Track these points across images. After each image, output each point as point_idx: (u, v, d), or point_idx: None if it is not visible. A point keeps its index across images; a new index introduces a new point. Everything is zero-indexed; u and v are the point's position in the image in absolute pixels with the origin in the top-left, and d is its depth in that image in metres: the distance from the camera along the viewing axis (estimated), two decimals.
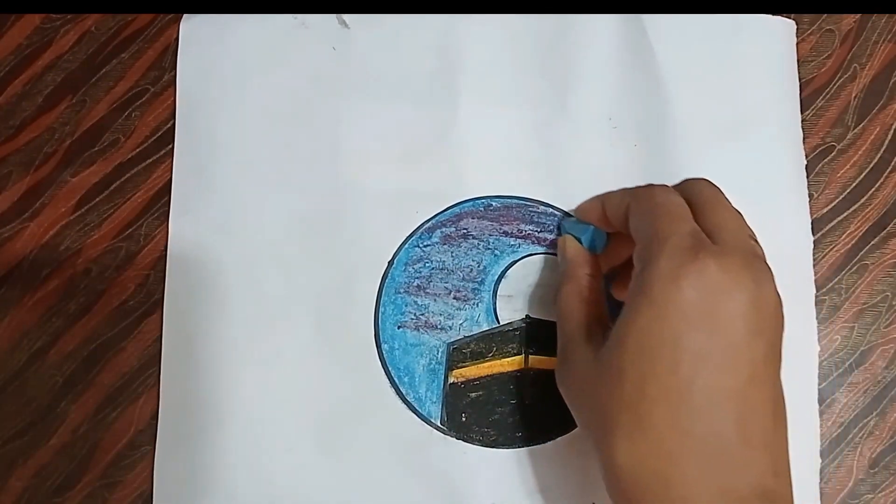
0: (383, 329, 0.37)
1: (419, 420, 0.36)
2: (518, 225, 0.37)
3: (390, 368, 0.36)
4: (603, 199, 0.34)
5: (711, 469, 0.26)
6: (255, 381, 0.36)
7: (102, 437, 0.36)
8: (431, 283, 0.37)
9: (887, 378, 0.37)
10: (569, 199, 0.37)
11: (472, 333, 0.37)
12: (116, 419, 0.36)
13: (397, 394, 0.36)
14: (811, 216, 0.38)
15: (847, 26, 0.40)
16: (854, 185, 0.39)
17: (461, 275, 0.37)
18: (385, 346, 0.36)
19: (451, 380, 0.36)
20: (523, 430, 0.36)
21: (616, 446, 0.27)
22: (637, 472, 0.27)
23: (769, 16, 0.39)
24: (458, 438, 0.36)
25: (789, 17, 0.40)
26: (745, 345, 0.27)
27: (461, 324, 0.37)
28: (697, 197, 0.31)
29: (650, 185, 0.32)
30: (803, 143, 0.39)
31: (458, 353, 0.37)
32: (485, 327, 0.37)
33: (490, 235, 0.38)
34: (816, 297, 0.38)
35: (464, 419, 0.36)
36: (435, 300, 0.37)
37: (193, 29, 0.39)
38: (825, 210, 0.39)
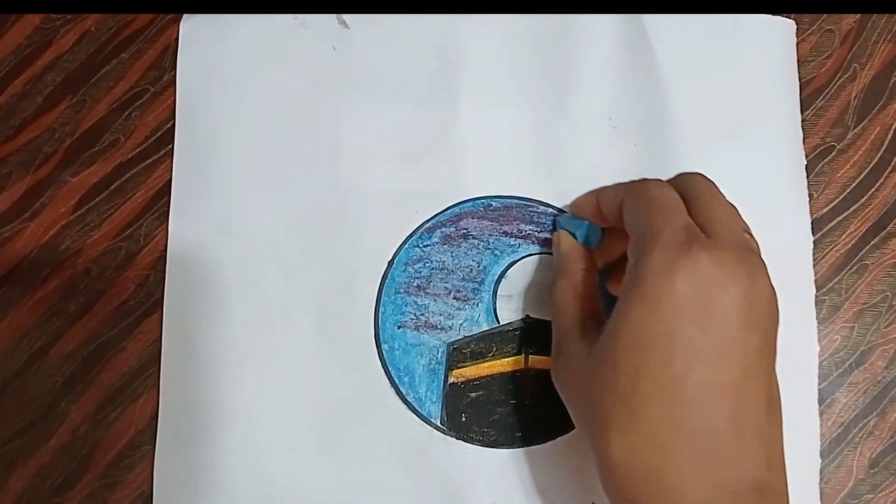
0: (383, 329, 0.37)
1: (419, 420, 0.36)
2: (518, 225, 0.37)
3: (390, 368, 0.36)
4: (597, 194, 0.34)
5: (705, 463, 0.26)
6: (255, 381, 0.36)
7: (102, 437, 0.36)
8: (431, 283, 0.37)
9: (887, 378, 0.37)
10: (569, 199, 0.37)
11: (472, 333, 0.37)
12: (116, 419, 0.36)
13: (397, 394, 0.36)
14: (811, 216, 0.38)
15: (847, 26, 0.40)
16: (854, 185, 0.39)
17: (461, 275, 0.37)
18: (385, 346, 0.36)
19: (451, 380, 0.36)
20: (523, 430, 0.36)
21: (610, 440, 0.27)
22: (631, 466, 0.27)
23: (769, 16, 0.39)
24: (458, 438, 0.36)
25: (789, 17, 0.40)
26: (738, 339, 0.27)
27: (461, 324, 0.37)
28: (692, 191, 0.30)
29: (644, 180, 0.32)
30: (803, 143, 0.39)
31: (458, 353, 0.37)
32: (485, 327, 0.37)
33: (490, 235, 0.38)
34: (816, 297, 0.38)
35: (464, 419, 0.36)
36: (435, 300, 0.37)
37: (193, 29, 0.39)
38: (825, 210, 0.39)
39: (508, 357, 0.37)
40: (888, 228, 0.39)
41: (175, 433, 0.36)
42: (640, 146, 0.38)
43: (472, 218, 0.38)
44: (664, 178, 0.33)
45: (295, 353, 0.36)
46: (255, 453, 0.35)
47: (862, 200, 0.39)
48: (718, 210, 0.30)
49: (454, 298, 0.37)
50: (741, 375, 0.27)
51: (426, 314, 0.37)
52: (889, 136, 0.39)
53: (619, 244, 0.34)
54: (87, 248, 0.37)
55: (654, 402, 0.27)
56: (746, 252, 0.28)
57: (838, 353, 0.37)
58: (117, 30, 0.39)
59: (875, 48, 0.40)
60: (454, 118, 0.38)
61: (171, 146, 0.38)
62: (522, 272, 0.37)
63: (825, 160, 0.39)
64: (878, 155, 0.39)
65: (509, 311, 0.37)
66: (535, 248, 0.37)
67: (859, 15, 0.40)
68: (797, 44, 0.40)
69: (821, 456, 0.36)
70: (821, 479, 0.36)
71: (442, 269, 0.37)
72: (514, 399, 0.36)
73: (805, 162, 0.39)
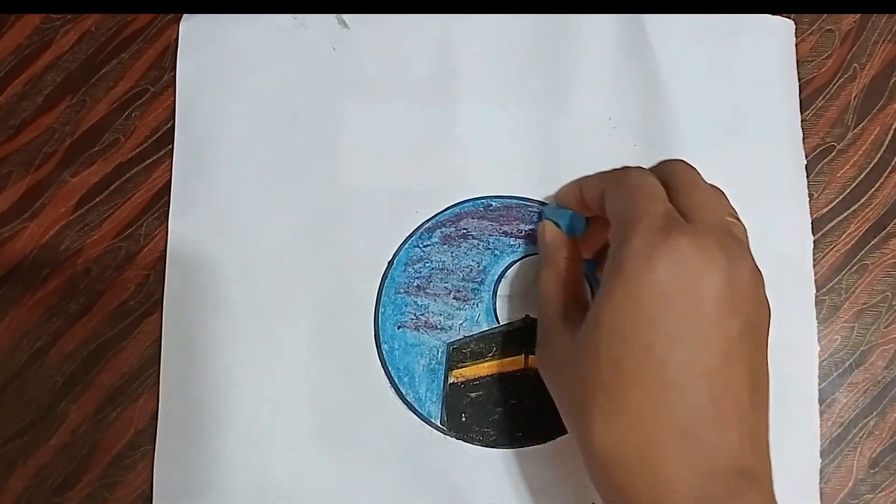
0: (383, 329, 0.37)
1: (419, 420, 0.36)
2: (518, 225, 0.37)
3: (390, 368, 0.36)
4: (580, 184, 0.34)
5: (688, 447, 0.26)
6: (255, 381, 0.36)
7: (102, 437, 0.36)
8: (431, 284, 0.37)
9: (887, 378, 0.37)
10: None
11: (472, 333, 0.37)
12: (116, 419, 0.36)
13: (397, 394, 0.36)
14: (811, 216, 0.38)
15: (847, 26, 0.40)
16: (854, 185, 0.39)
17: (461, 275, 0.37)
18: (385, 347, 0.36)
19: (450, 380, 0.36)
20: (523, 430, 0.36)
21: (593, 427, 0.27)
22: (615, 452, 0.27)
23: (768, 16, 0.39)
24: (457, 438, 0.36)
25: (789, 17, 0.40)
26: (719, 323, 0.27)
27: (461, 324, 0.37)
28: (672, 177, 0.30)
29: (625, 167, 0.32)
30: (803, 143, 0.39)
31: (458, 353, 0.37)
32: (485, 327, 0.37)
33: (490, 235, 0.38)
34: (816, 297, 0.38)
35: (464, 419, 0.36)
36: (435, 300, 0.37)
37: (193, 29, 0.39)
38: (825, 210, 0.39)
39: (508, 357, 0.37)
40: (888, 228, 0.39)
41: (175, 433, 0.36)
42: (640, 146, 0.38)
43: (472, 218, 0.38)
44: None
45: (295, 353, 0.36)
46: (254, 453, 0.35)
47: (862, 200, 0.39)
48: (699, 195, 0.30)
49: (454, 298, 0.37)
50: (722, 359, 0.27)
51: (426, 314, 0.37)
52: (889, 136, 0.39)
53: (606, 233, 0.34)
54: (87, 248, 0.38)
55: (636, 388, 0.27)
56: (727, 237, 0.28)
57: (838, 353, 0.37)
58: (117, 30, 0.39)
59: (875, 48, 0.40)
60: (454, 118, 0.38)
61: (170, 146, 0.38)
62: (522, 272, 0.37)
63: (825, 160, 0.39)
64: (878, 155, 0.39)
65: (509, 311, 0.37)
66: (534, 248, 0.37)
67: (859, 15, 0.40)
68: (797, 44, 0.40)
69: (821, 456, 0.36)
70: (821, 479, 0.36)
71: (442, 269, 0.37)
72: (514, 399, 0.36)
73: (805, 162, 0.39)
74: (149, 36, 0.39)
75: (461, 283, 0.37)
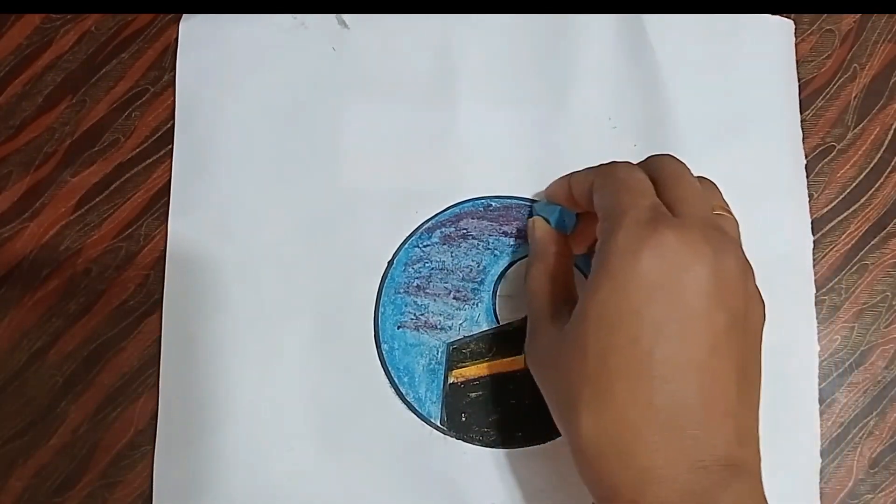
0: (383, 329, 0.37)
1: (419, 420, 0.36)
2: (518, 225, 0.37)
3: (390, 368, 0.36)
4: (569, 179, 0.34)
5: (675, 439, 0.26)
6: (254, 381, 0.36)
7: (102, 437, 0.36)
8: (431, 284, 0.37)
9: (887, 378, 0.37)
10: None
11: (471, 333, 0.37)
12: (116, 419, 0.36)
13: (397, 394, 0.36)
14: (811, 216, 0.38)
15: (847, 26, 0.40)
16: (854, 185, 0.39)
17: (461, 275, 0.37)
18: (385, 347, 0.36)
19: (450, 380, 0.36)
20: (523, 430, 0.36)
21: (580, 420, 0.27)
22: (602, 445, 0.27)
23: (767, 15, 0.39)
24: (457, 438, 0.36)
25: (789, 17, 0.40)
26: (705, 316, 0.27)
27: (461, 324, 0.37)
28: (659, 172, 0.31)
29: (613, 162, 0.32)
30: (803, 143, 0.39)
31: (458, 353, 0.37)
32: (485, 327, 0.37)
33: (490, 235, 0.38)
34: (816, 297, 0.38)
35: (464, 419, 0.36)
36: (435, 300, 0.37)
37: (193, 29, 0.39)
38: (825, 210, 0.39)
39: (508, 357, 0.37)
40: (888, 228, 0.39)
41: (174, 433, 0.36)
42: (640, 146, 0.38)
43: (472, 218, 0.38)
44: None
45: (295, 353, 0.36)
46: (254, 453, 0.35)
47: (862, 200, 0.39)
48: (685, 189, 0.30)
49: (454, 298, 0.37)
50: (708, 352, 0.27)
51: (426, 314, 0.37)
52: (889, 136, 0.39)
53: (595, 228, 0.34)
54: (87, 248, 0.38)
55: (622, 381, 0.27)
56: (713, 230, 0.28)
57: (838, 353, 0.37)
58: (117, 30, 0.39)
59: (875, 48, 0.40)
60: (454, 118, 0.38)
61: (170, 146, 0.38)
62: (522, 272, 0.37)
63: (825, 160, 0.39)
64: (878, 155, 0.39)
65: (509, 311, 0.37)
66: None
67: (859, 15, 0.40)
68: (797, 44, 0.40)
69: (821, 456, 0.36)
70: (821, 479, 0.36)
71: (442, 269, 0.37)
72: (514, 399, 0.36)
73: (805, 162, 0.39)
74: (149, 36, 0.39)
75: (461, 283, 0.37)
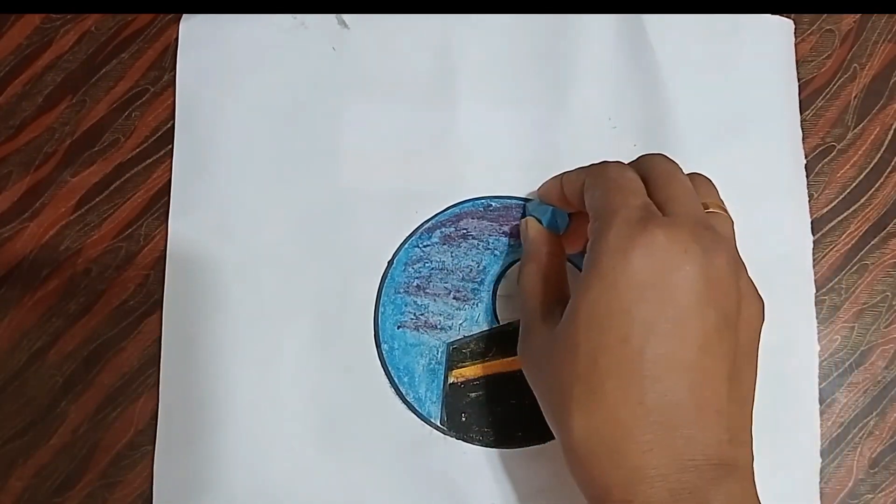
0: (383, 329, 0.37)
1: (419, 420, 0.36)
2: (517, 225, 0.37)
3: (390, 368, 0.36)
4: (562, 179, 0.34)
5: (665, 438, 0.26)
6: (254, 381, 0.36)
7: (102, 437, 0.36)
8: (431, 283, 0.37)
9: (887, 378, 0.37)
10: None
11: (471, 333, 0.37)
12: (116, 419, 0.36)
13: (397, 394, 0.36)
14: (811, 216, 0.38)
15: (847, 26, 0.40)
16: (854, 185, 0.39)
17: (461, 275, 0.37)
18: (385, 346, 0.36)
19: (450, 380, 0.36)
20: (523, 430, 0.36)
21: (571, 419, 0.27)
22: (592, 443, 0.27)
23: (767, 15, 0.40)
24: (457, 438, 0.36)
25: (789, 17, 0.40)
26: (694, 314, 0.27)
27: (461, 324, 0.37)
28: (651, 171, 0.31)
29: (604, 162, 0.32)
30: (803, 143, 0.39)
31: (458, 353, 0.37)
32: (485, 327, 0.37)
33: (490, 235, 0.38)
34: (816, 297, 0.38)
35: (464, 419, 0.36)
36: (435, 300, 0.37)
37: (193, 29, 0.39)
38: (825, 210, 0.39)
39: (508, 357, 0.37)
40: (888, 228, 0.39)
41: (175, 433, 0.36)
42: (640, 146, 0.38)
43: (472, 218, 0.38)
44: None
45: (295, 353, 0.36)
46: (254, 453, 0.35)
47: (862, 200, 0.39)
48: (676, 188, 0.30)
49: (454, 298, 0.37)
50: (699, 351, 0.27)
51: (426, 314, 0.37)
52: (889, 136, 0.39)
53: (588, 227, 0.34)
54: (87, 248, 0.38)
55: (613, 379, 0.27)
56: (703, 228, 0.28)
57: (838, 353, 0.37)
58: (117, 30, 0.39)
59: (875, 48, 0.40)
60: (454, 118, 0.38)
61: (171, 146, 0.38)
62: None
63: (825, 160, 0.39)
64: (878, 155, 0.39)
65: (509, 311, 0.37)
66: None
67: (859, 15, 0.40)
68: (797, 44, 0.40)
69: (821, 456, 0.36)
70: (821, 479, 0.36)
71: (442, 269, 0.37)
72: (514, 399, 0.36)
73: (805, 162, 0.39)
74: (149, 36, 0.39)
75: (461, 283, 0.37)
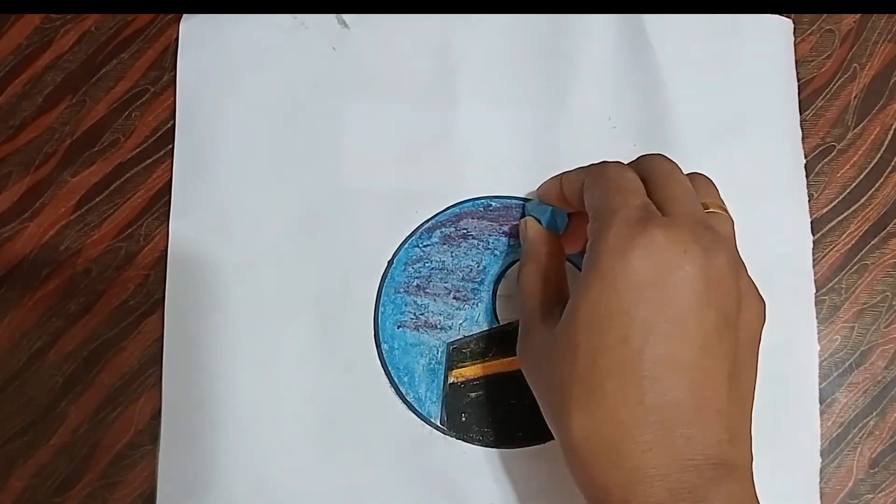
0: (383, 329, 0.37)
1: (419, 420, 0.36)
2: (517, 225, 0.37)
3: (390, 368, 0.36)
4: (561, 179, 0.34)
5: (665, 438, 0.26)
6: (255, 381, 0.36)
7: (102, 437, 0.36)
8: (431, 283, 0.37)
9: (887, 378, 0.37)
10: None
11: (471, 333, 0.37)
12: (116, 419, 0.36)
13: (397, 394, 0.36)
14: (811, 216, 0.38)
15: (847, 26, 0.40)
16: (854, 185, 0.39)
17: (461, 275, 0.37)
18: (385, 346, 0.36)
19: (450, 380, 0.36)
20: (523, 430, 0.36)
21: (571, 419, 0.27)
22: (592, 444, 0.27)
23: (767, 15, 0.40)
24: (457, 438, 0.36)
25: (789, 17, 0.40)
26: (694, 314, 0.27)
27: (461, 324, 0.37)
28: (650, 171, 0.31)
29: (604, 162, 0.32)
30: (803, 143, 0.39)
31: (458, 353, 0.37)
32: (485, 327, 0.37)
33: (490, 235, 0.38)
34: (816, 297, 0.37)
35: (464, 419, 0.36)
36: (435, 300, 0.37)
37: (193, 29, 0.39)
38: (825, 210, 0.39)
39: (508, 357, 0.37)
40: (888, 228, 0.39)
41: (177, 433, 0.36)
42: (640, 146, 0.38)
43: (472, 218, 0.38)
44: None
45: (295, 353, 0.36)
46: (255, 453, 0.35)
47: (862, 200, 0.39)
48: (675, 188, 0.30)
49: (454, 298, 0.37)
50: (699, 351, 0.27)
51: (426, 314, 0.37)
52: (889, 136, 0.39)
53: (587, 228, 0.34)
54: (87, 248, 0.38)
55: (612, 379, 0.27)
56: (703, 228, 0.28)
57: (838, 353, 0.37)
58: (117, 30, 0.39)
59: (875, 48, 0.40)
60: (454, 118, 0.38)
61: (171, 146, 0.38)
62: None
63: (825, 160, 0.39)
64: (878, 155, 0.39)
65: (509, 311, 0.37)
66: None
67: (859, 15, 0.40)
68: (797, 44, 0.40)
69: (821, 456, 0.36)
70: (821, 479, 0.36)
71: (442, 268, 0.37)
72: (514, 399, 0.36)
73: (805, 162, 0.39)
74: (149, 36, 0.39)
75: (461, 283, 0.37)
